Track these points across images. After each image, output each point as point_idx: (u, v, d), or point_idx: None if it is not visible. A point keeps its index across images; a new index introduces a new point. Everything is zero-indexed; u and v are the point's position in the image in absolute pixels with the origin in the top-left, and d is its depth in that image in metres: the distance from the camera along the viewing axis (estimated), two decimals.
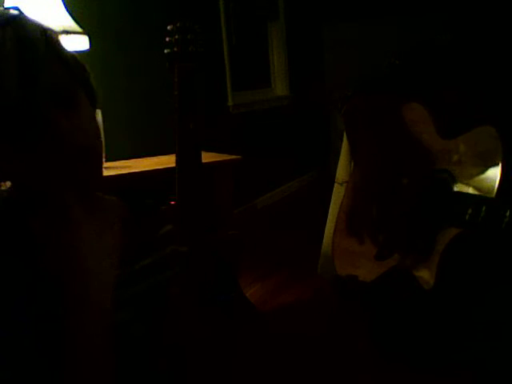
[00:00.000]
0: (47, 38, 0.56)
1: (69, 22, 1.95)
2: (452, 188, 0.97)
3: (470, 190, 0.93)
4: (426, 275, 0.95)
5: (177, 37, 1.52)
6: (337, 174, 1.68)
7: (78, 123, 0.56)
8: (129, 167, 2.11)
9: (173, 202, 1.48)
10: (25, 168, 0.54)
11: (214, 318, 1.51)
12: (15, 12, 0.57)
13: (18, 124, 0.52)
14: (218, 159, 2.22)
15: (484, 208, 0.88)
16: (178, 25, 1.55)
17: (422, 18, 4.12)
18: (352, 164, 1.27)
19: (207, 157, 2.10)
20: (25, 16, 0.57)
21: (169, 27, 1.54)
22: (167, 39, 1.52)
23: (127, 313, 0.67)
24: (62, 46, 0.59)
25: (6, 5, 1.68)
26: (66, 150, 0.55)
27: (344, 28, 4.93)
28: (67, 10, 1.97)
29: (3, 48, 0.52)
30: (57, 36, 0.59)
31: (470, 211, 0.90)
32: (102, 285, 0.55)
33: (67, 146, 0.55)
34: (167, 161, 2.22)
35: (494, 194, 0.89)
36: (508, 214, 0.83)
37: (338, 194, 1.56)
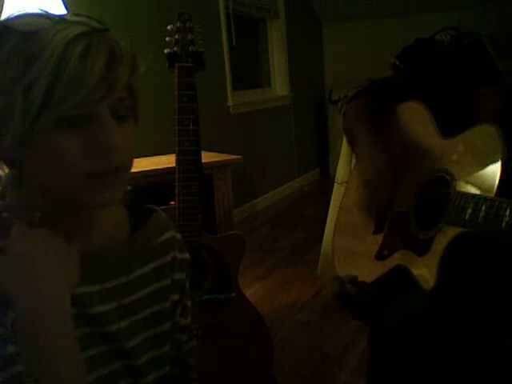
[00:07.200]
0: (134, 64, 0.59)
1: None
2: (452, 187, 0.97)
3: (470, 189, 0.93)
4: (426, 275, 0.95)
5: (177, 37, 1.53)
6: (337, 174, 1.69)
7: (125, 141, 0.59)
8: None
9: (173, 203, 1.48)
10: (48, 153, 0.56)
11: (213, 318, 1.51)
12: (103, 26, 0.58)
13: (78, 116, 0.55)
14: (218, 159, 2.22)
15: (484, 207, 0.87)
16: (178, 25, 1.56)
17: (421, 17, 4.13)
18: (352, 164, 1.27)
19: (207, 157, 2.10)
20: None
21: (169, 27, 1.55)
22: (167, 39, 1.53)
23: (125, 322, 0.67)
24: (137, 71, 0.61)
25: (6, 6, 1.67)
26: (103, 160, 0.57)
27: (344, 28, 4.94)
28: (67, 10, 1.97)
29: (95, 61, 0.54)
30: (141, 63, 0.62)
31: (469, 211, 0.90)
32: (55, 291, 0.55)
33: (108, 159, 0.58)
34: (167, 161, 2.22)
35: (493, 193, 0.89)
36: (508, 213, 0.83)
37: (337, 194, 1.56)
